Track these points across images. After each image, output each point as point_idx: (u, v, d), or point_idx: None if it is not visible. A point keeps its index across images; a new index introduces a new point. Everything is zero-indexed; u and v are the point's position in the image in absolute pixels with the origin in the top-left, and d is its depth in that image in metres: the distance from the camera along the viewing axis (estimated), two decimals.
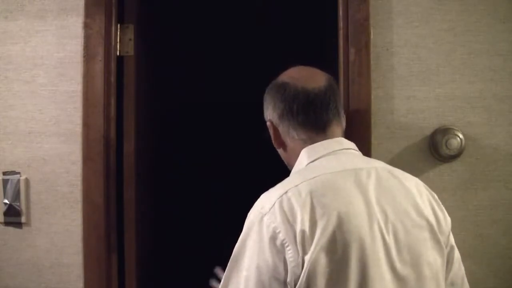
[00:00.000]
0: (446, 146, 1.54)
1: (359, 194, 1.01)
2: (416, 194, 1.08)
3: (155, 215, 2.28)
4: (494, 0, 1.58)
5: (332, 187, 1.01)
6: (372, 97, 1.57)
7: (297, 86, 1.13)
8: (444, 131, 1.56)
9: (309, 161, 1.10)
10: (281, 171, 1.21)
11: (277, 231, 0.96)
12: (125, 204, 1.77)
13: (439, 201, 1.13)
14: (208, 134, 3.43)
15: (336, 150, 1.11)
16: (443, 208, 1.12)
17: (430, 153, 1.58)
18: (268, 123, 1.18)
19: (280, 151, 1.20)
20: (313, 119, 1.11)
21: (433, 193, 1.14)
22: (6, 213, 1.63)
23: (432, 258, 1.05)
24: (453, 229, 1.59)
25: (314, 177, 1.03)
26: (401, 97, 1.58)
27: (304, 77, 1.15)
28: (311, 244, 0.94)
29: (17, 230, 1.63)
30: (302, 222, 0.95)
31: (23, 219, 1.63)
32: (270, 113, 1.17)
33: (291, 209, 0.97)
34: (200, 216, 3.25)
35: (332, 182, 1.02)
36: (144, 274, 1.94)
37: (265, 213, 0.99)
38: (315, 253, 0.94)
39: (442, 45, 1.58)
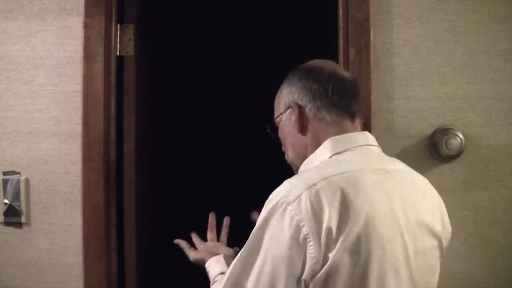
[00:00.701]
0: (446, 146, 1.54)
1: (385, 197, 0.99)
2: (431, 201, 1.08)
3: (155, 215, 2.28)
4: (494, 0, 1.58)
5: (361, 186, 0.97)
6: (372, 97, 1.57)
7: (331, 70, 1.12)
8: (444, 131, 1.56)
9: (333, 153, 1.05)
10: (281, 171, 1.21)
11: (301, 224, 0.91)
12: (125, 204, 1.77)
13: (444, 206, 1.13)
14: (208, 134, 3.43)
15: (362, 145, 1.07)
16: (447, 215, 1.12)
17: (430, 153, 1.58)
18: (291, 104, 1.11)
19: (296, 137, 1.12)
20: (347, 103, 1.09)
21: (439, 197, 1.13)
22: (6, 213, 1.63)
23: (436, 267, 1.07)
24: (453, 229, 1.59)
25: (344, 173, 0.98)
26: (401, 97, 1.58)
27: (334, 66, 1.16)
28: (336, 243, 0.90)
29: (17, 230, 1.63)
30: (329, 218, 0.91)
31: (23, 219, 1.63)
32: (294, 95, 1.11)
33: (319, 203, 0.92)
34: (200, 216, 3.24)
35: (360, 181, 0.98)
36: (144, 274, 1.94)
37: (290, 202, 0.93)
38: (339, 253, 0.90)
39: (442, 45, 1.58)
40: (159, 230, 2.40)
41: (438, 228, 1.06)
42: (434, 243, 1.05)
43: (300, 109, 1.10)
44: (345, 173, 0.98)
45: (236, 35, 3.21)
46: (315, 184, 0.94)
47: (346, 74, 1.15)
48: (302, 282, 0.91)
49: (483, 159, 1.58)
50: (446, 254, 1.54)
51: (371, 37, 1.57)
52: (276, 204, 0.94)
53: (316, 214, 0.91)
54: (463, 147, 1.55)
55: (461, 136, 1.55)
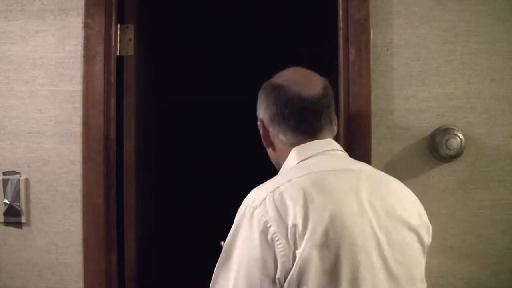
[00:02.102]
0: (446, 146, 1.54)
1: (352, 193, 1.02)
2: (403, 197, 1.10)
3: (155, 215, 2.28)
4: (494, 0, 1.58)
5: (325, 185, 1.01)
6: (372, 97, 1.57)
7: (292, 91, 1.11)
8: (444, 131, 1.56)
9: (299, 160, 1.10)
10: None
11: (268, 225, 0.96)
12: (125, 204, 1.77)
13: (421, 204, 1.14)
14: (208, 134, 3.43)
15: (326, 150, 1.12)
16: (425, 213, 1.13)
17: (430, 153, 1.58)
18: (259, 122, 1.18)
19: (269, 150, 1.20)
20: (305, 125, 1.11)
21: (415, 196, 1.15)
22: (6, 213, 1.63)
23: (419, 260, 1.07)
24: (453, 229, 1.60)
25: (307, 174, 1.03)
26: (401, 97, 1.58)
27: (300, 81, 1.13)
28: (302, 239, 0.94)
29: (17, 230, 1.63)
30: (294, 216, 0.95)
31: (23, 219, 1.63)
32: (262, 113, 1.16)
33: (283, 203, 0.97)
34: (200, 216, 3.25)
35: (325, 180, 1.02)
36: (144, 275, 1.94)
37: (256, 206, 0.98)
38: (307, 248, 0.94)
39: (442, 45, 1.58)
40: (159, 230, 2.40)
41: (414, 222, 1.07)
42: (412, 236, 1.06)
43: (265, 128, 1.15)
44: (309, 174, 1.03)
45: (236, 35, 3.21)
46: (278, 187, 1.00)
47: (310, 90, 1.11)
48: (277, 281, 0.94)
49: (483, 159, 1.58)
50: (447, 254, 1.55)
51: (371, 37, 1.57)
52: (244, 210, 1.00)
53: (281, 213, 0.96)
54: (463, 147, 1.55)
55: (461, 136, 1.55)
